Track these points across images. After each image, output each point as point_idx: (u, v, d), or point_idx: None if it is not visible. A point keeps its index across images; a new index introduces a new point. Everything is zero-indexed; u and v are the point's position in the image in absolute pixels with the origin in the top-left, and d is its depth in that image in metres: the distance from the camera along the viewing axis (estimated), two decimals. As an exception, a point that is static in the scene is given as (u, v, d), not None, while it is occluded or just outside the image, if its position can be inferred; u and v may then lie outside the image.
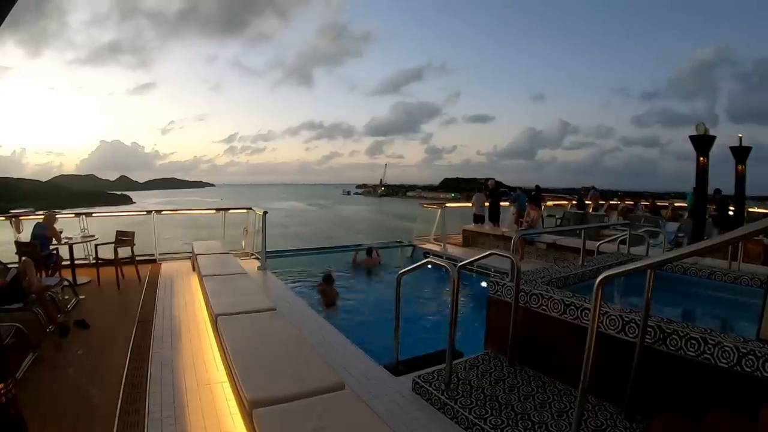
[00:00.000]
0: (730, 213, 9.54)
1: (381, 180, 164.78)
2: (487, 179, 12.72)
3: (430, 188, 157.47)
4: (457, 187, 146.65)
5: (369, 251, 8.82)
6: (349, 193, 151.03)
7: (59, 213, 6.81)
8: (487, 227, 10.33)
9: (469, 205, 11.15)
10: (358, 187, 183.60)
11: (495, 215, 10.76)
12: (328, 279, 6.66)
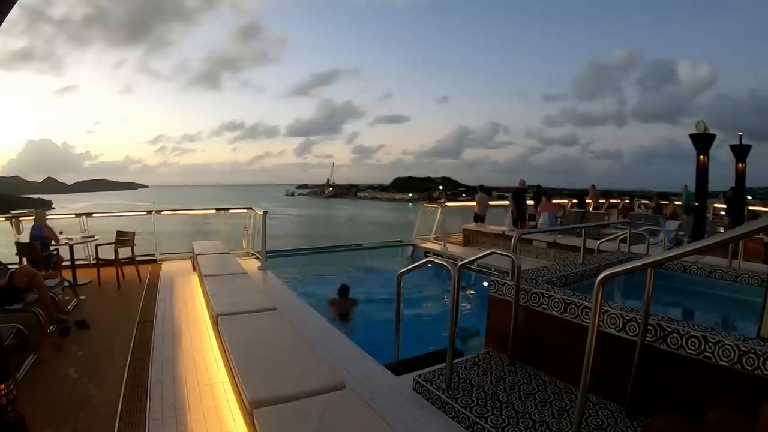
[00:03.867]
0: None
1: (328, 180, 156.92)
2: (470, 185, 12.62)
3: (381, 188, 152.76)
4: (411, 186, 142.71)
5: (344, 291, 6.15)
6: (293, 194, 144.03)
7: (49, 213, 6.83)
8: (490, 227, 10.32)
9: (473, 204, 11.14)
10: (299, 187, 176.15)
11: (522, 215, 10.67)
12: (343, 290, 6.02)
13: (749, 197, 11.37)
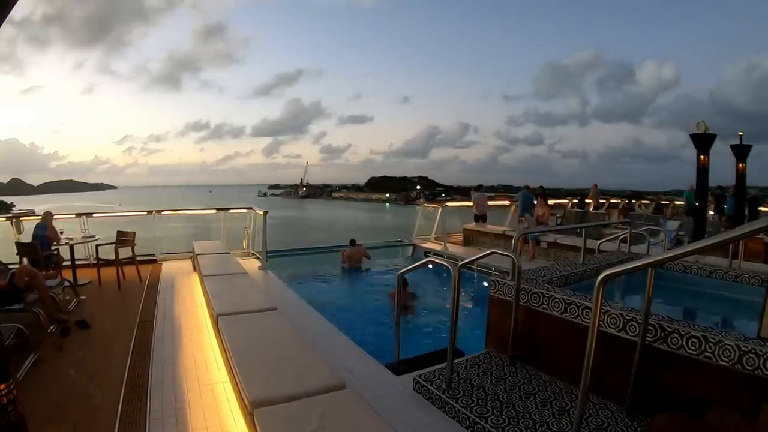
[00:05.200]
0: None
1: (302, 180, 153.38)
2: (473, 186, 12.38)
3: (356, 188, 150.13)
4: (386, 186, 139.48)
5: (353, 242, 8.55)
6: (265, 194, 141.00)
7: (57, 213, 6.82)
8: (490, 227, 10.32)
9: (470, 204, 11.10)
10: (271, 187, 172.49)
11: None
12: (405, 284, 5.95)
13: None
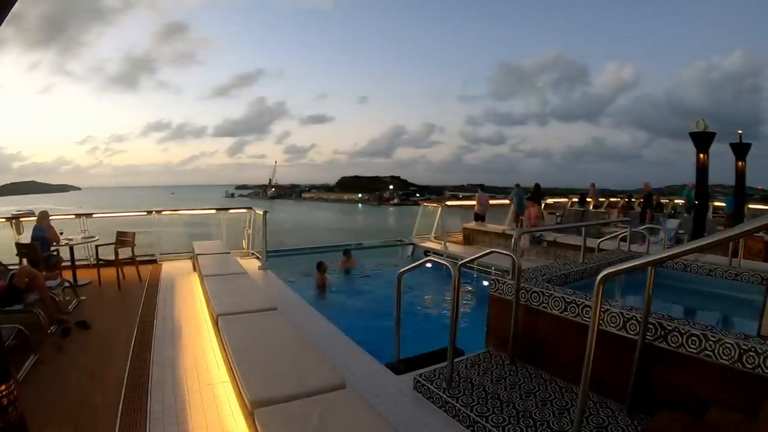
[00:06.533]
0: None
1: (270, 180, 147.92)
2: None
3: (326, 188, 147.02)
4: (358, 186, 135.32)
5: (346, 252, 8.83)
6: (233, 195, 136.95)
7: (54, 213, 6.80)
8: (489, 226, 10.33)
9: (473, 203, 11.13)
10: (238, 188, 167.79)
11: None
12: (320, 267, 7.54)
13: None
